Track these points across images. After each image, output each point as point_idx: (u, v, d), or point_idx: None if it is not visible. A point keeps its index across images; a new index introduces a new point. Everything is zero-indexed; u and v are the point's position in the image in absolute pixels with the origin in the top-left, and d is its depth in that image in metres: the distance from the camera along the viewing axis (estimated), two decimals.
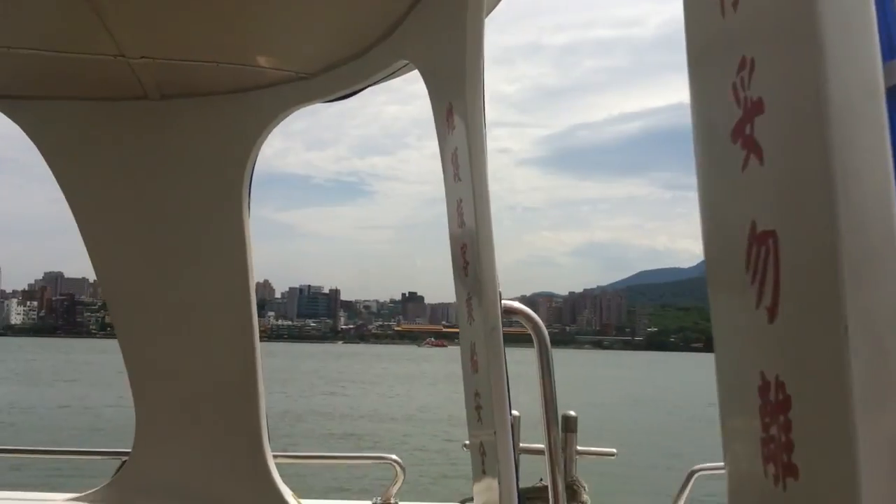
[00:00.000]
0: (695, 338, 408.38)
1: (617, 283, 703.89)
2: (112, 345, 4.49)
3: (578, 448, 3.25)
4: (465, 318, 2.71)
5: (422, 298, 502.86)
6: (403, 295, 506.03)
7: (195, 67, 3.60)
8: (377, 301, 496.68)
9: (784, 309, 1.00)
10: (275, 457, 4.01)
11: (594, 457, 3.37)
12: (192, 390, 4.05)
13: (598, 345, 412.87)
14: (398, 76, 3.45)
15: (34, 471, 13.68)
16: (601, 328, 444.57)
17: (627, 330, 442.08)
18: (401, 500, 4.20)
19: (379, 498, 4.18)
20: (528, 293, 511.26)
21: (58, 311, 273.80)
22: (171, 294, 4.01)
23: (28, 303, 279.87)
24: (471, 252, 2.58)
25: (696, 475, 4.01)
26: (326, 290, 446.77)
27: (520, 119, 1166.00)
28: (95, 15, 3.03)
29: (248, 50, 3.57)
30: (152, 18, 3.20)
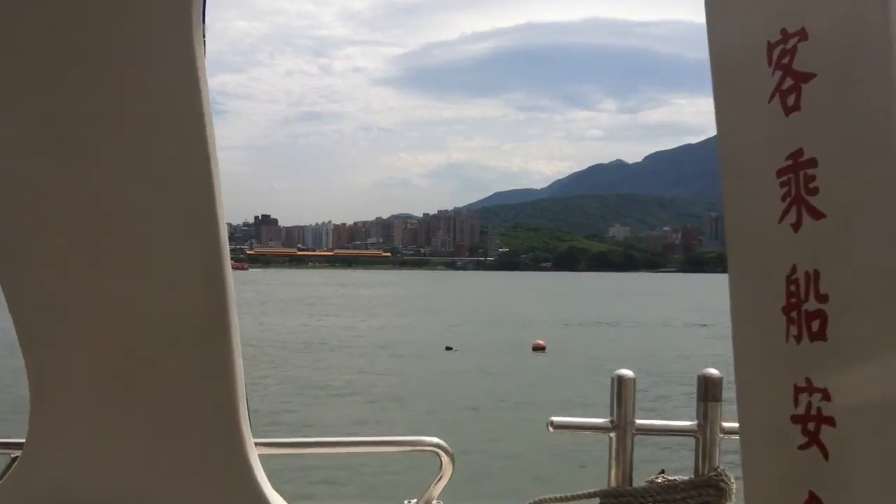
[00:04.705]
0: (543, 257, 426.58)
1: (473, 204, 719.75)
2: None
3: (724, 425, 2.52)
4: (781, 237, 1.53)
5: (275, 221, 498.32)
6: (257, 218, 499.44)
7: None
8: (230, 224, 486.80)
9: None
10: (257, 445, 2.64)
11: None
12: (122, 348, 2.59)
13: (452, 265, 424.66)
14: None
15: None
16: (455, 249, 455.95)
17: (480, 250, 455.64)
18: (451, 501, 2.92)
19: (415, 500, 2.90)
20: (384, 215, 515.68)
21: None
22: (87, 207, 2.50)
23: None
24: None
25: None
26: None
27: (373, 37, 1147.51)
28: None
29: None
30: None
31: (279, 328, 47.78)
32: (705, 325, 51.88)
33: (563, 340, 41.94)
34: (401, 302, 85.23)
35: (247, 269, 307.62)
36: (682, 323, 55.64)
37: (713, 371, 2.45)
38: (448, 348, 38.40)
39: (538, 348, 38.19)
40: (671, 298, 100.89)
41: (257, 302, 76.91)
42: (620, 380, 2.76)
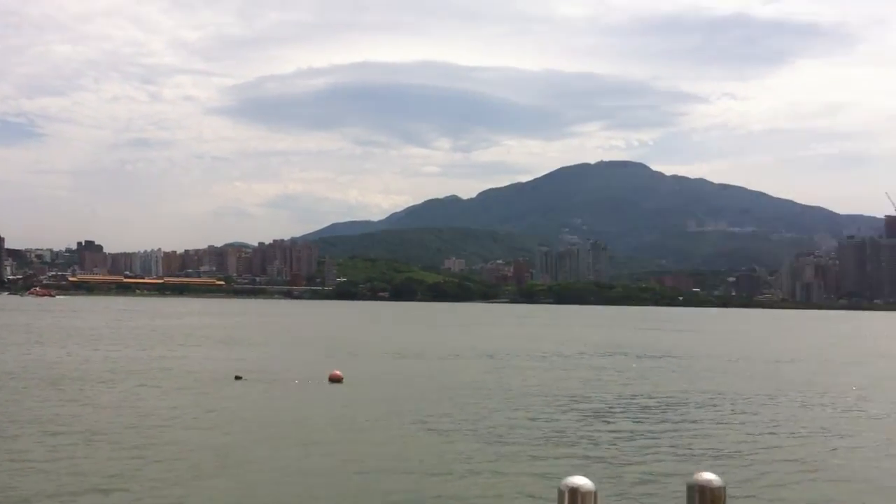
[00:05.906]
0: (381, 287, 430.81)
1: (310, 234, 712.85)
2: None
3: None
4: None
5: (100, 248, 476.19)
6: (80, 244, 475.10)
7: None
8: (51, 250, 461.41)
9: None
10: None
11: None
12: None
13: (289, 294, 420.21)
14: None
15: None
16: (292, 278, 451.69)
17: (318, 280, 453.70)
18: None
19: None
20: (218, 244, 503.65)
21: None
22: None
23: None
24: None
25: None
26: None
27: (205, 67, 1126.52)
28: None
29: None
30: None
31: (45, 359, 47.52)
32: (491, 357, 58.19)
33: (363, 371, 43.76)
34: (211, 332, 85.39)
35: (54, 295, 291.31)
36: (473, 353, 61.61)
37: (710, 477, 1.52)
38: (238, 377, 38.72)
39: (335, 380, 38.00)
40: (481, 328, 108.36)
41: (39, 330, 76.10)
42: (574, 492, 1.77)
